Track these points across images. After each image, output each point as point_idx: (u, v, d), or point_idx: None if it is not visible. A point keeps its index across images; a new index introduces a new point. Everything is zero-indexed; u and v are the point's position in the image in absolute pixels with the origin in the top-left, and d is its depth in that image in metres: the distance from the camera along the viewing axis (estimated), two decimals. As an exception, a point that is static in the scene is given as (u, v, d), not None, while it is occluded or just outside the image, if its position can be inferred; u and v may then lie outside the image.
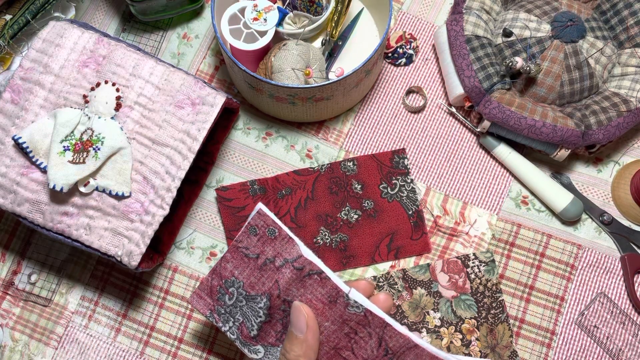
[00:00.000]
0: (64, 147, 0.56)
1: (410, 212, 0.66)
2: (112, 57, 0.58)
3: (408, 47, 0.71)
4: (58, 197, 0.57)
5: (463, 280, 0.64)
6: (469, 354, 0.63)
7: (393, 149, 0.68)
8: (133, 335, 0.64)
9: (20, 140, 0.56)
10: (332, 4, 0.67)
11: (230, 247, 0.51)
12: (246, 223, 0.51)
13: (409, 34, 0.71)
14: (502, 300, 0.64)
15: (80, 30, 0.59)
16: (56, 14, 0.69)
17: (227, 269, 0.52)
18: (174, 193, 0.56)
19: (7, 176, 0.57)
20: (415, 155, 0.69)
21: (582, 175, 0.68)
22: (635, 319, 0.64)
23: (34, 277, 0.66)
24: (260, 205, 0.50)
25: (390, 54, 0.71)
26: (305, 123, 0.69)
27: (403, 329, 0.46)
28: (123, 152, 0.57)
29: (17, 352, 0.64)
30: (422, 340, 0.46)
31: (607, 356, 0.63)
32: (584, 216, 0.67)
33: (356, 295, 0.47)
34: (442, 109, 0.70)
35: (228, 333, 0.52)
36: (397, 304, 0.64)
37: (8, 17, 0.64)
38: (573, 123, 0.62)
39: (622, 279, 0.65)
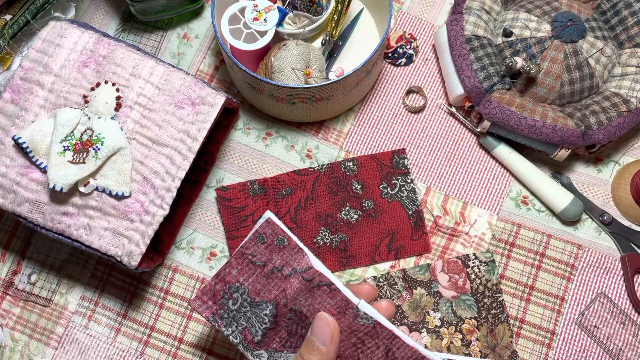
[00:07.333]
0: (64, 147, 0.56)
1: (410, 212, 0.66)
2: (112, 57, 0.58)
3: (408, 47, 0.71)
4: (58, 197, 0.57)
5: (463, 280, 0.64)
6: (469, 354, 0.63)
7: (393, 149, 0.68)
8: (133, 335, 0.64)
9: (20, 140, 0.56)
10: (332, 4, 0.67)
11: (236, 252, 0.51)
12: (253, 230, 0.50)
13: (409, 34, 0.71)
14: (502, 300, 0.64)
15: (80, 30, 0.59)
16: (56, 14, 0.69)
17: (231, 274, 0.51)
18: (174, 193, 0.56)
19: (7, 176, 0.57)
20: (415, 155, 0.69)
21: (582, 175, 0.68)
22: (635, 319, 0.64)
23: (34, 277, 0.66)
24: (269, 214, 0.49)
25: (390, 54, 0.71)
26: (305, 123, 0.69)
27: (411, 341, 0.46)
28: (123, 152, 0.57)
29: (17, 352, 0.64)
30: (430, 352, 0.46)
31: (607, 356, 0.63)
32: (584, 216, 0.67)
33: (366, 307, 0.47)
34: (442, 109, 0.70)
35: (231, 337, 0.52)
36: (397, 304, 0.64)
37: (8, 17, 0.64)
38: (573, 123, 0.62)
39: (622, 279, 0.65)
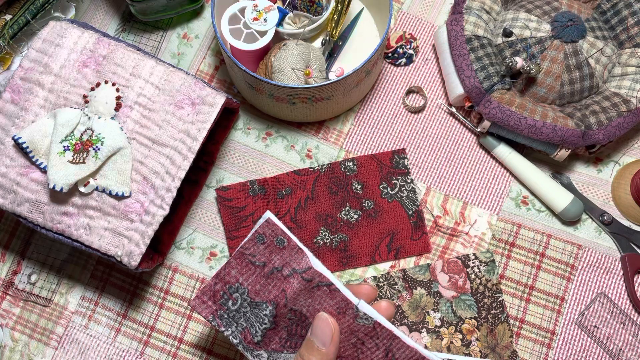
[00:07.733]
0: (64, 147, 0.56)
1: (410, 212, 0.66)
2: (112, 57, 0.58)
3: (408, 47, 0.71)
4: (58, 197, 0.57)
5: (463, 280, 0.64)
6: (469, 354, 0.63)
7: (393, 149, 0.68)
8: (133, 335, 0.64)
9: (20, 140, 0.56)
10: (332, 4, 0.67)
11: (236, 253, 0.51)
12: (253, 230, 0.50)
13: (409, 34, 0.71)
14: (502, 300, 0.64)
15: (80, 30, 0.59)
16: (56, 14, 0.69)
17: (231, 274, 0.51)
18: (174, 193, 0.56)
19: (7, 176, 0.57)
20: (415, 155, 0.69)
21: (582, 175, 0.68)
22: (635, 319, 0.64)
23: (34, 277, 0.66)
24: (269, 214, 0.49)
25: (390, 54, 0.71)
26: (305, 123, 0.69)
27: (411, 342, 0.46)
28: (123, 152, 0.57)
29: (17, 352, 0.64)
30: (430, 352, 0.46)
31: (607, 356, 0.63)
32: (584, 216, 0.67)
33: (365, 308, 0.47)
34: (442, 109, 0.70)
35: (230, 337, 0.52)
36: (397, 304, 0.64)
37: (8, 17, 0.64)
38: (573, 123, 0.62)
39: (622, 279, 0.65)
